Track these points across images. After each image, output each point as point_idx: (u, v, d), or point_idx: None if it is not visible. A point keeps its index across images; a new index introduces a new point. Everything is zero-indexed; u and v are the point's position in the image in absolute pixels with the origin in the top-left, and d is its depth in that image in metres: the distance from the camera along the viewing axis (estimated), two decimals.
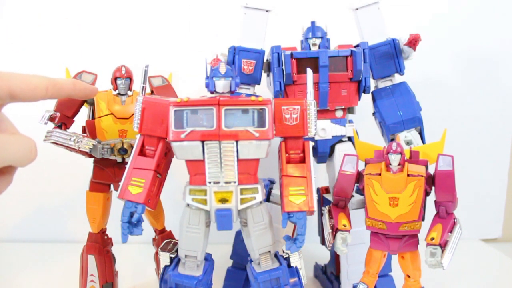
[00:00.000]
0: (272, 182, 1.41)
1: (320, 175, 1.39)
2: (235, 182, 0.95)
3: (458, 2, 1.96)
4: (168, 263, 1.04)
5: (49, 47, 1.93)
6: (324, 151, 1.33)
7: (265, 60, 1.34)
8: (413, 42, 1.28)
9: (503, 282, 1.61)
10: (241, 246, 1.24)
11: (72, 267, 1.43)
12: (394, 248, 1.08)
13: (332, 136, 1.32)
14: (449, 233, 1.03)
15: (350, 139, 1.33)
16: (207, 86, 1.01)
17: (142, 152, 1.02)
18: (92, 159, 1.31)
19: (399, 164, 1.05)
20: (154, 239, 1.45)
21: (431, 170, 1.08)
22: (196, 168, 0.97)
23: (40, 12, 1.93)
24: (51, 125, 1.26)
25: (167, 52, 1.91)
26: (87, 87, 0.95)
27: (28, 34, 1.94)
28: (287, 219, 0.95)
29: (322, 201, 1.42)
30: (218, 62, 1.10)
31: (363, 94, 1.32)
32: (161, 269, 1.05)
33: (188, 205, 1.00)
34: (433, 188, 1.06)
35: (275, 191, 1.37)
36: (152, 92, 1.33)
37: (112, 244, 1.41)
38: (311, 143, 1.01)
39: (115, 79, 1.30)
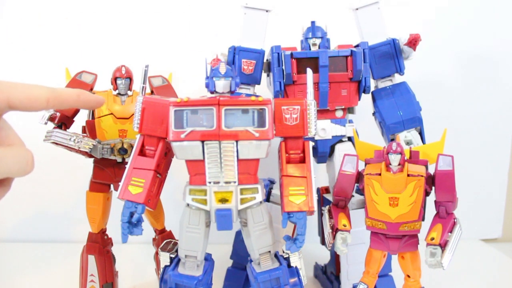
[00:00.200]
0: (272, 182, 1.41)
1: (320, 175, 1.39)
2: (235, 182, 0.95)
3: (458, 2, 1.96)
4: (168, 263, 1.04)
5: (49, 47, 1.93)
6: (324, 151, 1.33)
7: (265, 60, 1.34)
8: (413, 42, 1.28)
9: (503, 282, 1.61)
10: (241, 246, 1.24)
11: (72, 267, 1.43)
12: (394, 248, 1.08)
13: (332, 136, 1.32)
14: (449, 233, 1.03)
15: (350, 139, 1.33)
16: (207, 86, 1.01)
17: (142, 152, 1.02)
18: (92, 159, 1.31)
19: (399, 164, 1.05)
20: (154, 239, 1.45)
21: (431, 170, 1.08)
22: (196, 168, 0.96)
23: (40, 12, 1.93)
24: (51, 125, 1.26)
25: (167, 52, 1.91)
26: (92, 99, 0.86)
27: (28, 34, 1.94)
28: (287, 219, 0.95)
29: (322, 201, 1.42)
30: (218, 62, 1.10)
31: (363, 94, 1.32)
32: (161, 269, 1.05)
33: (188, 205, 1.00)
34: (433, 188, 1.06)
35: (275, 191, 1.37)
36: (152, 92, 1.33)
37: (112, 244, 1.41)
38: (311, 143, 1.01)
39: (115, 79, 1.30)
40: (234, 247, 1.45)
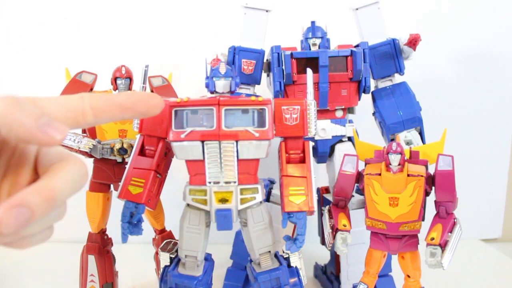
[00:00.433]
0: (272, 182, 1.41)
1: (320, 175, 1.39)
2: (235, 182, 0.95)
3: (458, 2, 1.96)
4: (168, 263, 1.04)
5: (49, 47, 1.93)
6: (324, 151, 1.33)
7: (265, 60, 1.34)
8: (413, 42, 1.28)
9: (503, 282, 1.61)
10: (241, 246, 1.24)
11: (72, 267, 1.43)
12: (394, 248, 1.08)
13: (332, 136, 1.32)
14: (449, 233, 1.03)
15: (350, 139, 1.33)
16: (207, 86, 1.01)
17: (142, 152, 1.02)
18: (92, 159, 1.31)
19: (399, 164, 1.05)
20: (154, 239, 1.45)
21: (431, 170, 1.08)
22: (196, 168, 0.96)
23: (40, 12, 1.93)
24: None
25: (167, 52, 1.91)
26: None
27: (28, 34, 1.94)
28: (287, 219, 0.95)
29: (322, 201, 1.42)
30: (218, 62, 1.10)
31: (363, 94, 1.32)
32: (161, 269, 1.05)
33: (188, 205, 1.00)
34: (433, 188, 1.06)
35: (275, 191, 1.37)
36: (152, 92, 1.33)
37: (112, 244, 1.41)
38: (311, 143, 1.01)
39: (115, 79, 1.30)
40: (234, 247, 1.45)
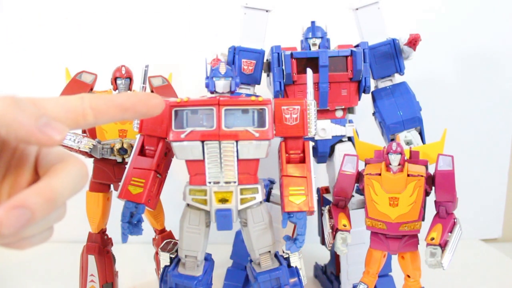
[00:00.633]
0: (272, 182, 1.41)
1: (320, 175, 1.39)
2: (235, 182, 0.95)
3: (458, 2, 1.96)
4: (168, 263, 1.04)
5: (49, 47, 1.93)
6: (324, 151, 1.33)
7: (265, 60, 1.34)
8: (413, 42, 1.27)
9: (503, 282, 1.61)
10: (241, 246, 1.24)
11: (72, 267, 1.43)
12: (394, 248, 1.08)
13: (332, 136, 1.32)
14: (449, 233, 1.03)
15: (350, 139, 1.33)
16: (207, 86, 1.01)
17: (142, 152, 1.02)
18: (92, 159, 1.31)
19: (399, 164, 1.05)
20: (154, 239, 1.45)
21: (431, 170, 1.08)
22: (196, 168, 0.96)
23: (40, 12, 1.93)
24: None
25: (167, 52, 1.91)
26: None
27: (28, 34, 1.94)
28: (287, 219, 0.95)
29: (322, 201, 1.42)
30: (218, 62, 1.10)
31: (363, 94, 1.32)
32: (161, 269, 1.05)
33: (188, 205, 1.00)
34: (433, 188, 1.06)
35: (275, 191, 1.37)
36: (152, 92, 1.33)
37: (112, 244, 1.41)
38: (311, 143, 1.01)
39: (115, 79, 1.30)
40: (234, 247, 1.45)
